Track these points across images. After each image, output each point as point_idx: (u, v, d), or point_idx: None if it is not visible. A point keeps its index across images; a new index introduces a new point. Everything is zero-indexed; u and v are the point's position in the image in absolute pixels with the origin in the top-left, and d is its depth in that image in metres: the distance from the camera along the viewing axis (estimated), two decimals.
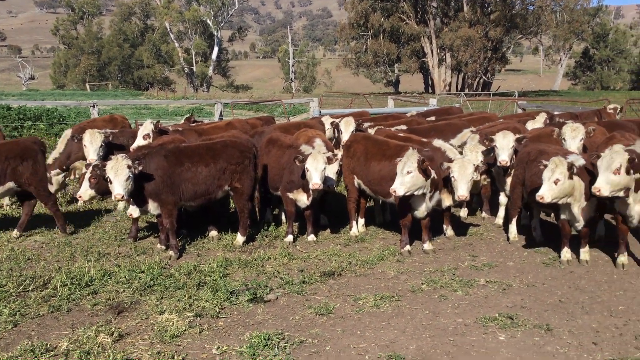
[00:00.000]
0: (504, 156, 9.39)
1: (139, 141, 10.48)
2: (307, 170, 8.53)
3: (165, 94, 70.16)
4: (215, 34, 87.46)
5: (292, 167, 8.87)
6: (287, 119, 22.38)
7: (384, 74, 73.02)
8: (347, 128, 11.43)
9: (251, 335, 5.91)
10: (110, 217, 10.69)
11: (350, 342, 5.89)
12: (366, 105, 29.39)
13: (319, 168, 8.46)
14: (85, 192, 8.87)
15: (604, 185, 7.26)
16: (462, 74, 63.83)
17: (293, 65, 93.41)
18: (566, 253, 8.25)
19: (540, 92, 63.46)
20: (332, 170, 9.15)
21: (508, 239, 9.41)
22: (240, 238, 9.12)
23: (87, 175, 8.75)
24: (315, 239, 9.40)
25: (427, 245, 8.82)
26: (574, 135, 9.51)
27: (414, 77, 72.70)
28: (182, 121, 13.96)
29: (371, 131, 11.22)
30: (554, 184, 7.46)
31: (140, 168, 7.98)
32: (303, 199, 9.07)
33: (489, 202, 10.81)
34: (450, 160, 8.70)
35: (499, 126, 10.84)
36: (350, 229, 9.76)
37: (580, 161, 7.81)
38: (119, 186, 7.83)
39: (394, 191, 7.87)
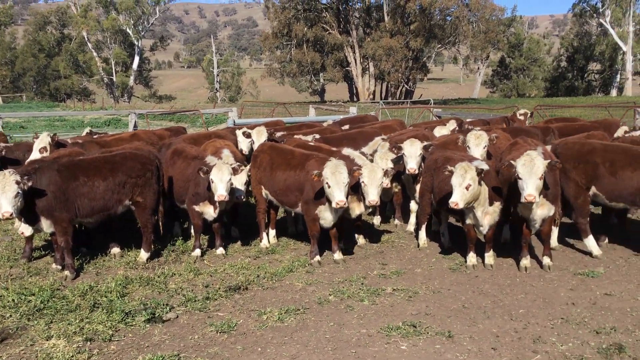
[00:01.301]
0: (412, 164, 9.44)
1: (35, 154, 9.91)
2: (212, 182, 8.26)
3: (83, 105, 67.67)
4: (136, 43, 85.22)
5: (197, 179, 8.58)
6: (206, 129, 21.91)
7: (310, 83, 73.27)
8: (259, 138, 11.23)
9: (144, 359, 5.59)
10: (5, 237, 10.02)
11: None
12: (288, 115, 29.30)
13: (224, 179, 8.21)
14: None
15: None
16: (385, 82, 64.88)
17: (218, 75, 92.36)
18: (472, 258, 8.34)
19: (459, 99, 65.38)
20: (240, 181, 8.92)
21: (418, 245, 9.45)
22: (143, 254, 8.73)
23: None
24: (224, 252, 9.13)
25: (337, 255, 8.71)
26: (477, 143, 9.68)
27: (339, 86, 73.33)
28: (83, 134, 13.34)
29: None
30: (466, 189, 7.50)
31: (29, 184, 7.48)
32: (210, 212, 8.78)
33: (401, 209, 10.85)
34: (360, 167, 8.63)
35: (407, 134, 10.92)
36: (261, 241, 9.54)
37: (484, 166, 7.92)
38: (6, 204, 7.30)
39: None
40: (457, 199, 7.50)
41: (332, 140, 11.40)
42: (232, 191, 8.74)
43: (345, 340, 6.09)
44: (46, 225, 7.90)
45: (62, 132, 27.75)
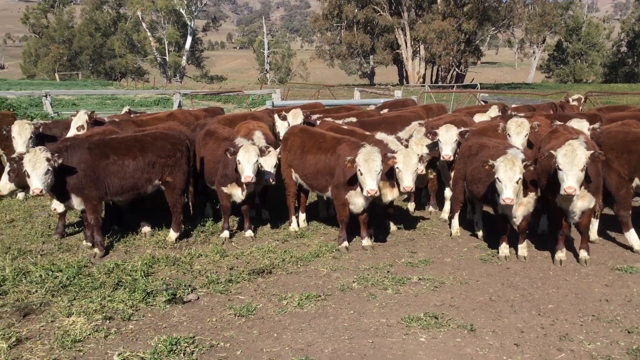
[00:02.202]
0: (446, 150, 9.17)
1: (72, 132, 10.04)
2: (239, 163, 8.19)
3: (135, 84, 68.94)
4: (189, 23, 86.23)
5: (226, 160, 8.52)
6: (249, 110, 21.96)
7: (359, 66, 72.73)
8: (295, 120, 11.10)
9: (159, 340, 5.59)
10: (42, 213, 10.24)
11: (264, 346, 5.60)
12: (333, 97, 29.10)
13: (250, 160, 8.13)
14: (5, 186, 8.43)
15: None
16: (436, 66, 63.78)
17: (268, 57, 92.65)
18: (504, 249, 8.05)
19: (512, 84, 63.71)
20: (270, 164, 8.82)
21: (450, 234, 9.20)
22: (172, 234, 8.77)
23: (7, 169, 8.30)
24: (252, 234, 9.08)
25: (366, 242, 8.56)
26: (518, 131, 9.28)
27: (389, 69, 72.52)
28: (122, 112, 13.48)
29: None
30: (516, 184, 7.22)
31: (60, 161, 7.56)
32: (237, 194, 8.73)
33: (436, 196, 10.59)
34: (394, 152, 8.42)
35: (445, 119, 10.60)
36: (290, 225, 9.46)
37: (520, 155, 7.60)
38: (37, 180, 7.40)
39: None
40: (510, 195, 7.20)
41: (369, 124, 11.17)
42: (261, 173, 8.67)
43: (363, 329, 5.96)
44: (77, 202, 8.00)
45: (113, 110, 28.32)
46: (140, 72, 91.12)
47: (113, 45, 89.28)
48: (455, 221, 9.17)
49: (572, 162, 7.01)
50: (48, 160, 7.41)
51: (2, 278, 6.97)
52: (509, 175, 7.17)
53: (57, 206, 8.31)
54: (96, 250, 8.10)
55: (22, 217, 10.07)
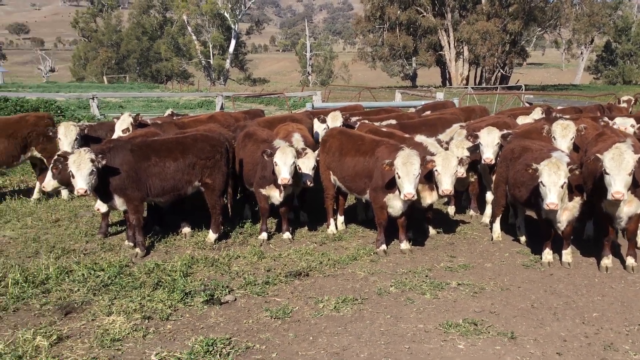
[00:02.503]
0: (488, 154, 9.00)
1: (117, 134, 10.25)
2: (276, 165, 8.22)
3: (180, 86, 70.10)
4: (233, 27, 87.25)
5: (264, 162, 8.55)
6: (290, 112, 22.04)
7: (401, 68, 72.28)
8: (334, 123, 11.08)
9: (196, 340, 5.63)
10: (86, 212, 10.47)
11: (299, 349, 5.59)
12: (373, 100, 28.96)
13: (287, 162, 8.15)
14: (49, 182, 8.70)
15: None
16: (480, 67, 62.88)
17: (310, 59, 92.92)
18: (547, 254, 7.84)
19: (559, 86, 62.24)
20: (308, 166, 8.80)
21: (491, 238, 9.02)
22: (212, 235, 8.85)
23: (51, 167, 8.54)
24: (290, 236, 9.09)
25: (404, 245, 8.46)
26: (564, 134, 9.01)
27: (432, 70, 71.83)
28: (165, 115, 13.68)
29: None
30: (561, 188, 7.05)
31: (104, 162, 7.72)
32: (275, 195, 8.75)
33: (477, 199, 10.40)
34: (433, 155, 8.31)
35: (487, 121, 10.40)
36: (328, 227, 9.44)
37: (565, 159, 7.40)
38: (81, 180, 7.57)
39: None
40: (555, 200, 7.02)
41: (409, 126, 11.07)
42: (299, 175, 8.68)
43: (400, 334, 5.88)
44: (119, 203, 8.15)
45: (158, 112, 28.80)
46: (186, 75, 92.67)
47: (159, 48, 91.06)
48: (497, 225, 8.99)
49: (619, 166, 6.79)
50: (92, 161, 7.57)
51: (46, 276, 7.14)
52: (553, 180, 6.98)
53: (101, 206, 8.48)
54: (137, 250, 8.23)
55: (67, 217, 10.31)
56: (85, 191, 7.61)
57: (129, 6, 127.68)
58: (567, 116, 10.98)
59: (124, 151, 8.11)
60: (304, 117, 12.01)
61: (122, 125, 10.45)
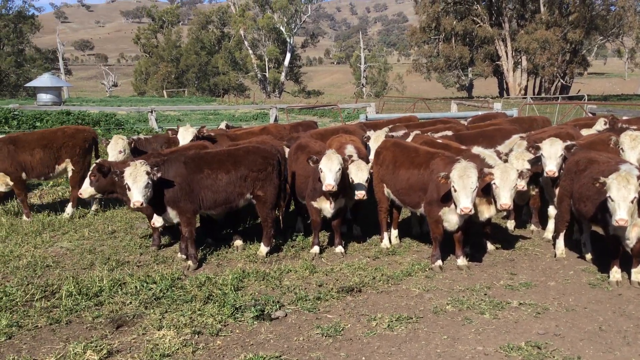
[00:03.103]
0: (551, 166, 8.58)
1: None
2: (321, 171, 8.06)
3: (237, 99, 71.07)
4: (288, 40, 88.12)
5: (316, 174, 8.40)
6: (343, 124, 21.91)
7: (457, 79, 71.27)
8: (377, 140, 10.64)
9: (245, 358, 5.49)
10: (142, 224, 10.56)
11: None
12: (428, 111, 28.52)
13: (333, 169, 7.98)
14: (86, 190, 8.81)
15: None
16: (539, 77, 61.26)
17: (364, 71, 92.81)
18: (615, 273, 7.37)
19: (622, 96, 59.90)
20: (362, 178, 8.59)
21: (555, 255, 8.58)
22: (263, 248, 8.75)
23: (89, 173, 8.66)
24: (343, 250, 8.89)
25: (461, 261, 8.14)
26: (633, 145, 8.50)
27: (488, 81, 70.57)
28: (220, 127, 13.76)
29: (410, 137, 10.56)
30: (631, 203, 6.63)
31: (159, 174, 7.75)
32: (327, 208, 8.58)
33: (538, 214, 9.95)
34: (491, 168, 7.98)
35: (549, 132, 9.97)
36: (382, 241, 9.19)
37: (635, 172, 6.95)
38: (137, 193, 7.61)
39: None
40: (624, 216, 6.60)
41: (466, 138, 10.71)
42: (353, 187, 8.50)
43: (458, 356, 5.58)
44: (172, 215, 8.15)
45: (214, 124, 29.21)
46: (242, 89, 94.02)
47: (217, 63, 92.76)
48: (561, 241, 8.53)
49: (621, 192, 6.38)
50: (148, 173, 7.60)
51: (100, 289, 7.16)
52: (622, 194, 6.56)
53: (156, 221, 8.49)
54: (190, 262, 8.19)
55: (123, 229, 10.42)
56: (142, 204, 7.65)
57: (189, 22, 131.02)
58: (634, 127, 10.41)
59: (177, 164, 8.13)
60: (357, 129, 11.82)
61: (187, 137, 10.49)
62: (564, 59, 57.16)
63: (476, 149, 8.66)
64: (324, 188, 8.08)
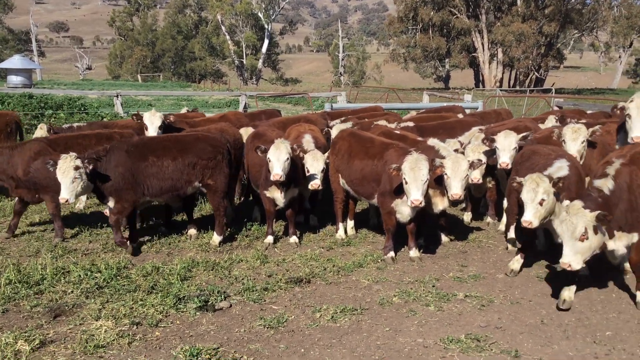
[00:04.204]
0: (504, 158, 8.60)
1: (153, 133, 10.09)
2: (269, 161, 7.98)
3: (212, 86, 70.40)
4: (266, 27, 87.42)
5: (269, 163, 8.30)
6: (312, 112, 21.79)
7: (434, 69, 71.45)
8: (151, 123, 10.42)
9: (181, 350, 5.40)
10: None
11: None
12: (399, 101, 28.53)
13: (281, 159, 7.92)
14: None
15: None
16: (514, 70, 61.73)
17: (343, 59, 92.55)
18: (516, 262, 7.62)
19: (595, 90, 60.63)
20: (317, 168, 8.55)
21: (507, 247, 8.61)
22: (216, 237, 8.64)
23: None
24: (297, 241, 8.82)
25: (413, 252, 8.13)
26: (574, 137, 8.54)
27: (465, 72, 70.86)
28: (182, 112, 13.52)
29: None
30: (539, 205, 6.62)
31: (91, 167, 7.58)
32: (279, 197, 8.49)
33: (495, 206, 9.98)
34: (443, 158, 7.95)
35: (508, 125, 9.98)
36: (337, 232, 9.14)
37: (562, 172, 7.00)
38: (64, 189, 7.48)
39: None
40: (530, 218, 6.62)
41: (427, 129, 10.68)
42: (309, 177, 8.46)
43: (397, 349, 5.56)
44: (112, 203, 8.01)
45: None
46: (219, 75, 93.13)
47: (194, 48, 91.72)
48: (512, 233, 8.54)
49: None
50: (77, 168, 7.46)
51: (42, 277, 7.00)
52: (530, 196, 6.62)
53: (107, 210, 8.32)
54: (122, 248, 8.11)
55: (76, 216, 10.20)
56: (67, 200, 7.52)
57: (165, 5, 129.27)
58: (584, 120, 10.43)
59: (119, 152, 7.95)
60: (319, 118, 11.73)
61: (155, 121, 10.21)
62: (539, 52, 57.68)
63: (432, 141, 8.63)
64: (271, 178, 8.00)
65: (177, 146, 8.26)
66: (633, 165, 6.44)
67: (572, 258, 5.90)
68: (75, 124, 11.38)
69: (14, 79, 39.97)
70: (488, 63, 59.92)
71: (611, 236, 6.23)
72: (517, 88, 54.50)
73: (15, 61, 43.02)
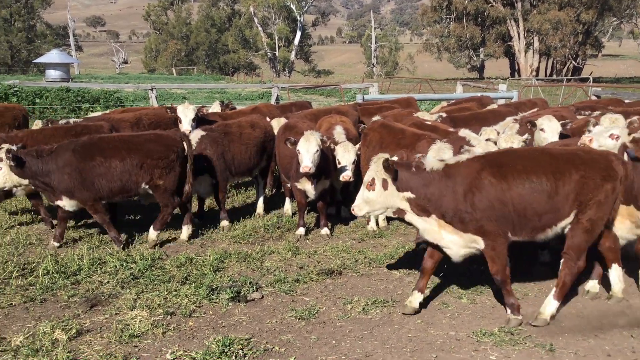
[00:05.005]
0: (554, 139, 8.43)
1: (187, 126, 10.08)
2: (299, 153, 7.99)
3: (245, 78, 70.92)
4: (299, 18, 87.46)
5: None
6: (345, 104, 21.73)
7: (468, 59, 70.52)
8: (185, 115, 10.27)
9: (214, 340, 5.46)
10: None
11: (319, 353, 5.33)
12: (432, 92, 28.24)
13: (310, 150, 7.92)
14: None
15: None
16: (551, 59, 60.51)
17: (375, 50, 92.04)
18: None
19: (635, 78, 58.99)
20: (348, 160, 8.52)
21: None
22: (152, 232, 8.24)
23: None
24: (329, 232, 8.83)
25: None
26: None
27: (500, 62, 69.65)
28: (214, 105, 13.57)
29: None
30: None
31: (11, 162, 7.55)
32: (309, 189, 8.50)
33: None
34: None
35: (543, 114, 9.78)
36: (368, 223, 9.11)
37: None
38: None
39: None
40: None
41: (460, 120, 10.55)
42: (340, 169, 8.45)
43: (429, 341, 5.53)
44: (68, 204, 7.97)
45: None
46: (252, 67, 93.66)
47: (227, 41, 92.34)
48: None
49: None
50: None
51: (78, 267, 7.16)
52: None
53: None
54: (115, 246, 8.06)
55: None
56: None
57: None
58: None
59: (66, 152, 7.79)
60: (350, 109, 11.67)
61: (189, 114, 10.22)
62: (577, 40, 56.43)
63: (463, 132, 8.50)
64: (301, 169, 8.01)
65: (126, 146, 8.04)
66: None
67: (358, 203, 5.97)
68: (72, 119, 11.19)
69: (52, 73, 40.86)
70: (524, 52, 58.91)
71: None
72: (554, 77, 53.38)
73: (53, 56, 44.04)
